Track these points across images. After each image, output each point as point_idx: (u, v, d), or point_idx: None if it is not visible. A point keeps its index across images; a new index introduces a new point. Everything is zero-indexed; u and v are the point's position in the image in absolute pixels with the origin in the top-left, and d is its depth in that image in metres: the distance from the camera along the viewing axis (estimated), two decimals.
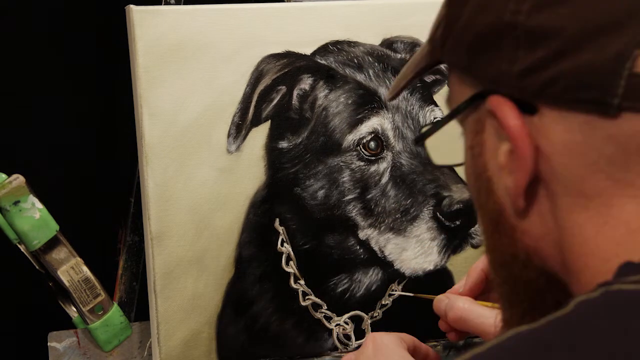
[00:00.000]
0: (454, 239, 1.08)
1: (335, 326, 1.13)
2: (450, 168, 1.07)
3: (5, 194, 1.01)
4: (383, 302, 1.15)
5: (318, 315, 1.12)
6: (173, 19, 1.05)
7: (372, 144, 1.09)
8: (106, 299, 1.08)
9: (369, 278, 1.14)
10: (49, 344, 1.08)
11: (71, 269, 1.05)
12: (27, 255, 1.05)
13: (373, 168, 1.09)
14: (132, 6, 1.03)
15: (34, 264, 1.06)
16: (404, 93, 1.11)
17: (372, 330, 1.13)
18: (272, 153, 1.09)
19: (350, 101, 1.10)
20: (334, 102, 1.10)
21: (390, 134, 1.10)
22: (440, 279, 1.13)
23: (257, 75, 1.08)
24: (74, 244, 1.06)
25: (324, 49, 1.11)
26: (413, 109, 1.12)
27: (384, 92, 1.11)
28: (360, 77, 1.11)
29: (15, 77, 1.19)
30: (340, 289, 1.13)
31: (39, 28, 1.20)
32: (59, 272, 1.05)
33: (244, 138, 1.08)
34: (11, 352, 1.24)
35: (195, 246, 1.06)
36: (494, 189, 0.58)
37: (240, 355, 1.10)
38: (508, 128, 0.54)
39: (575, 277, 0.54)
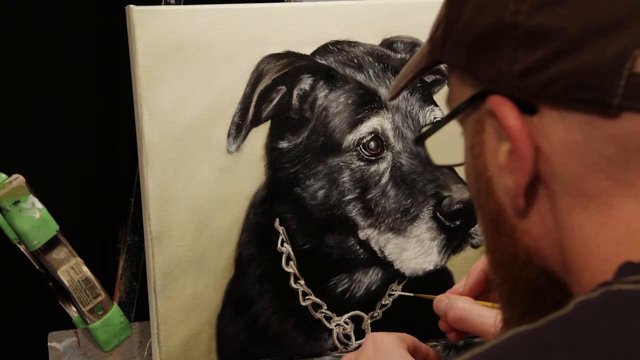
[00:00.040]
0: (454, 239, 1.08)
1: (335, 326, 1.13)
2: (450, 168, 1.07)
3: (5, 194, 1.01)
4: (383, 302, 1.15)
5: (318, 315, 1.12)
6: (173, 19, 1.05)
7: (372, 144, 1.09)
8: (106, 299, 1.08)
9: (369, 278, 1.14)
10: (49, 344, 1.08)
11: (71, 269, 1.05)
12: (27, 255, 1.05)
13: (373, 168, 1.09)
14: (132, 6, 1.03)
15: (34, 264, 1.06)
16: (404, 93, 1.11)
17: (372, 330, 1.13)
18: (272, 153, 1.09)
19: (350, 101, 1.10)
20: (334, 102, 1.10)
21: (390, 134, 1.10)
22: (440, 279, 1.13)
23: (257, 75, 1.08)
24: (74, 244, 1.06)
25: (324, 49, 1.11)
26: (413, 109, 1.12)
27: (384, 92, 1.11)
28: (360, 77, 1.11)
29: (15, 77, 1.19)
30: (340, 289, 1.13)
31: (39, 28, 1.20)
32: (59, 272, 1.05)
33: (244, 138, 1.08)
34: (11, 352, 1.24)
35: (195, 246, 1.06)
36: (494, 189, 0.58)
37: (240, 355, 1.10)
38: (508, 128, 0.54)
39: (575, 277, 0.54)
